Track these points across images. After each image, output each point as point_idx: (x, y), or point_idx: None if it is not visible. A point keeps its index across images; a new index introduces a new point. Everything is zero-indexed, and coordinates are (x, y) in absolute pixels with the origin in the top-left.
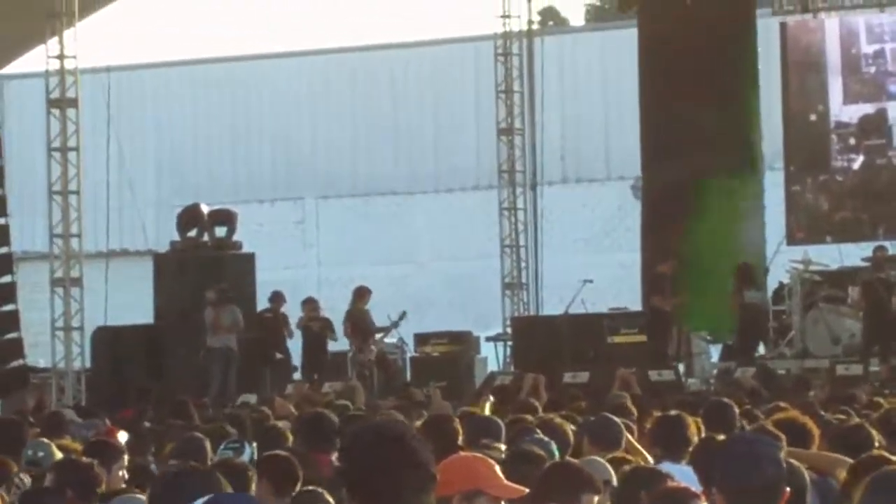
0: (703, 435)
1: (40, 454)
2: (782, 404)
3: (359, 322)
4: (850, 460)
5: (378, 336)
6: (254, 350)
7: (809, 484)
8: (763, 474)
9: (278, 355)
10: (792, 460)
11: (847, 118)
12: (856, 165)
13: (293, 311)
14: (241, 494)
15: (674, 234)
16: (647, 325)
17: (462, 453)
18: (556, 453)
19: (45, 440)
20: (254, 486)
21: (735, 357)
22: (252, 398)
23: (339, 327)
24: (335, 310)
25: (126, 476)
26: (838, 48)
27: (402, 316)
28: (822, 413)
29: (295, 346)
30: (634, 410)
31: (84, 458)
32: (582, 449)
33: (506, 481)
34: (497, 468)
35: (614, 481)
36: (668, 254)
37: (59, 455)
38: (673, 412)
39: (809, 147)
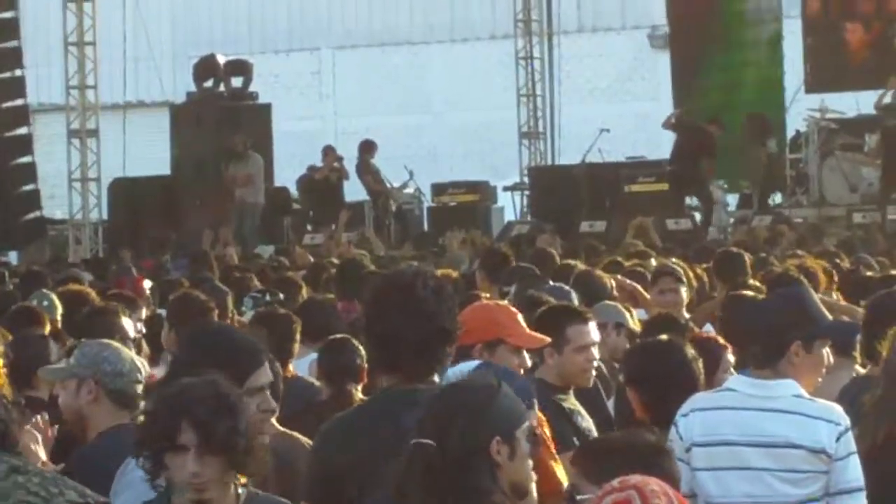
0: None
1: (45, 303)
2: (800, 252)
3: (376, 173)
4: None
5: (396, 186)
6: (273, 201)
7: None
8: (760, 329)
9: (296, 206)
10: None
11: None
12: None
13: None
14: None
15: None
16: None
17: (483, 301)
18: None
19: (47, 290)
20: (298, 335)
21: (752, 206)
22: (269, 249)
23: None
24: (352, 159)
25: (143, 328)
26: None
27: (411, 175)
28: (838, 261)
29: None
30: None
31: (100, 304)
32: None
33: (527, 330)
34: (519, 317)
35: (629, 324)
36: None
37: (58, 305)
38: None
39: None
